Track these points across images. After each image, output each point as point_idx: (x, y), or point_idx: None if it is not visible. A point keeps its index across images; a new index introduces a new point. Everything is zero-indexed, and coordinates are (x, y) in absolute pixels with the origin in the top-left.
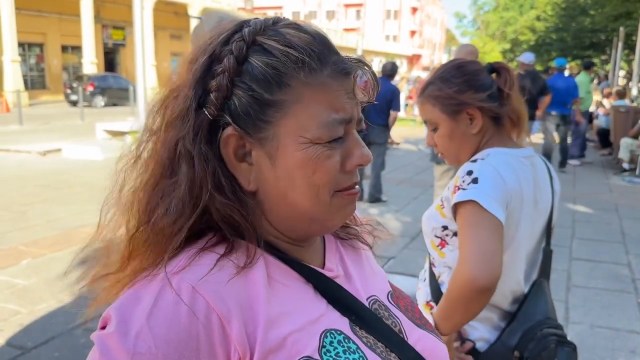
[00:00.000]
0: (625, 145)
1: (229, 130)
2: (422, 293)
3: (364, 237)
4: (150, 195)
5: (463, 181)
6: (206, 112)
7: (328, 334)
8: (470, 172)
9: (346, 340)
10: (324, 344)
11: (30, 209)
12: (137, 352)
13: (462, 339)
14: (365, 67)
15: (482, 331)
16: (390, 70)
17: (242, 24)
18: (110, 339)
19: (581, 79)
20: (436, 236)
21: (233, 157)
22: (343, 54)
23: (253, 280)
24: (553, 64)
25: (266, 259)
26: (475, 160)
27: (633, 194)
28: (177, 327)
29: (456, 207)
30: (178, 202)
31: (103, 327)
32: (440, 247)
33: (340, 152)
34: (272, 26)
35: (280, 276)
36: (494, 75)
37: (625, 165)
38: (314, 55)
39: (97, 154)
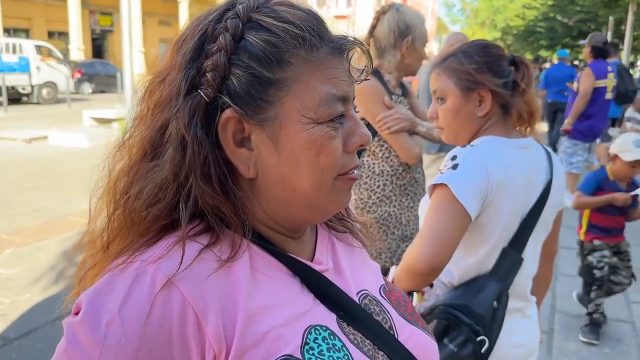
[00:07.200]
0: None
1: (228, 112)
2: None
3: (357, 234)
4: (127, 179)
5: (445, 165)
6: (202, 93)
7: (313, 330)
8: (454, 157)
9: (332, 337)
10: (307, 340)
11: (14, 197)
12: (107, 344)
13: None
14: (362, 46)
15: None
16: None
17: (233, 2)
18: (79, 329)
19: None
20: None
21: (232, 143)
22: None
23: (235, 273)
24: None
25: (252, 251)
26: (464, 146)
27: None
28: (149, 320)
29: (432, 189)
30: (154, 187)
31: (76, 313)
32: None
33: (341, 132)
34: (265, 4)
35: (265, 268)
36: (512, 68)
37: None
38: (313, 31)
39: (83, 142)
